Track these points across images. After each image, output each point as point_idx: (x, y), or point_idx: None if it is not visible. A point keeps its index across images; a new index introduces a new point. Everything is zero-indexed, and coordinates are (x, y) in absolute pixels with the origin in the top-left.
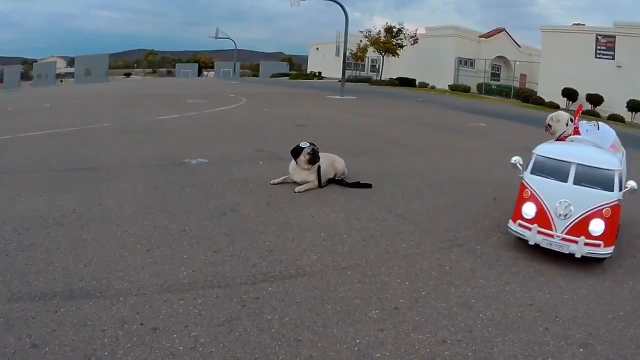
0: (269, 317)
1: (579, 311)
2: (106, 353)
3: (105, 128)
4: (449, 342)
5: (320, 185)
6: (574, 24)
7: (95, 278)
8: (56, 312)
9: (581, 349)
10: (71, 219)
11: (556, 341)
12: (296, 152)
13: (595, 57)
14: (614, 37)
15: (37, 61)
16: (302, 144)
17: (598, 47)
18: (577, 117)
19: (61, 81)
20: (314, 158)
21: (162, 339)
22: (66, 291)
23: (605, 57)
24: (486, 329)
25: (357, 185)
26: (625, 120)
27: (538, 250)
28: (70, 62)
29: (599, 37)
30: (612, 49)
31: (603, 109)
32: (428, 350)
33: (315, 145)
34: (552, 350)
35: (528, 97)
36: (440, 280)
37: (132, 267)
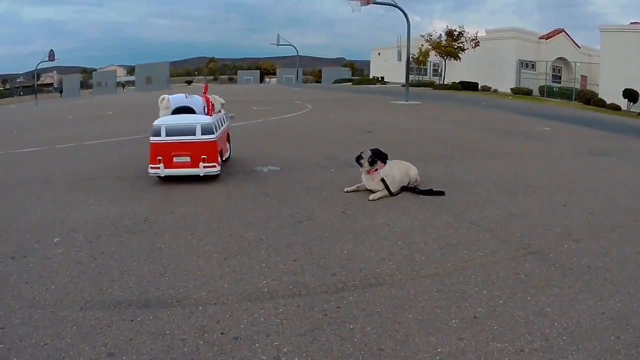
0: (351, 327)
1: None
2: None
3: None
4: (526, 350)
5: (392, 193)
6: (632, 23)
7: (172, 287)
8: (132, 320)
9: None
10: (143, 227)
11: (627, 350)
12: (357, 159)
13: None
14: None
15: (96, 70)
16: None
17: None
18: (204, 93)
19: (123, 88)
20: (359, 160)
21: (244, 349)
22: (142, 300)
23: None
24: (561, 338)
25: (430, 192)
26: None
27: (608, 259)
28: (130, 70)
29: None
30: None
31: None
32: (507, 359)
33: (375, 151)
34: (623, 359)
35: (589, 99)
36: (516, 288)
37: (209, 275)
